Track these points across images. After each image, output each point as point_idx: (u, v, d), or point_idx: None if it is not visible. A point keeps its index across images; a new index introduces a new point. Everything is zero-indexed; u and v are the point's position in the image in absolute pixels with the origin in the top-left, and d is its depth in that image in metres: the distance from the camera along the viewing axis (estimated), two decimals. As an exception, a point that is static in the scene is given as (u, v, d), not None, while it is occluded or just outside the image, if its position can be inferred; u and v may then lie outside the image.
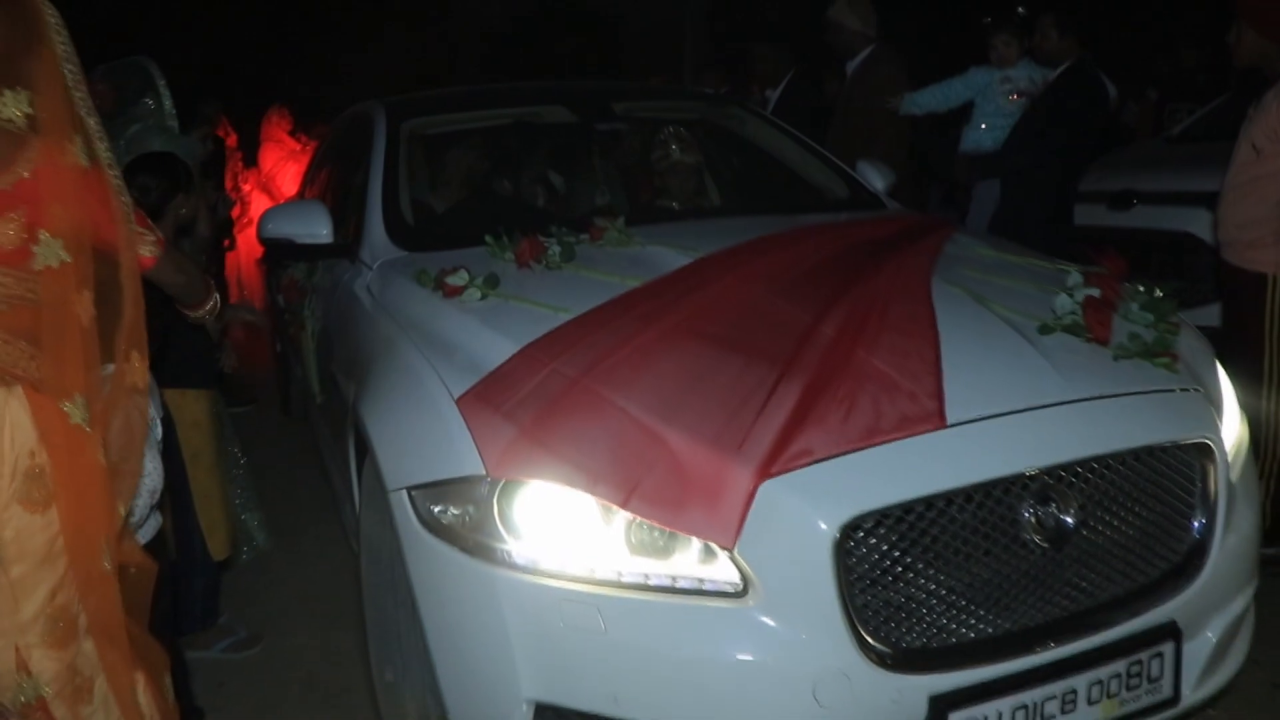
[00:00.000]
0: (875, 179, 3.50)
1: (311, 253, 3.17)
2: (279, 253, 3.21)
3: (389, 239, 2.89)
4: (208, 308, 2.26)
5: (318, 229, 3.02)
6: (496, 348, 2.08)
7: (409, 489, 1.92)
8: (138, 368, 1.74)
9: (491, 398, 1.92)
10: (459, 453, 1.86)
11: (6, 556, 1.66)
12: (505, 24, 13.93)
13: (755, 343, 2.00)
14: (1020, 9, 5.11)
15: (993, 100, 4.93)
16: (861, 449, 1.74)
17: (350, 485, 2.53)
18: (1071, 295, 2.18)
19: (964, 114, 5.09)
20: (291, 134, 7.28)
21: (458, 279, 2.31)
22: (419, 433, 1.98)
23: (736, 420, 1.78)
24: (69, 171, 1.62)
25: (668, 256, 2.49)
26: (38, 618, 1.68)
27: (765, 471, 1.70)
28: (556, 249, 2.49)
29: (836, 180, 3.46)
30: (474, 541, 1.81)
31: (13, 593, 1.67)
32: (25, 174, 1.61)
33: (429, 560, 1.87)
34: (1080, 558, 1.84)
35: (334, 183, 3.94)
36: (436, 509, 1.86)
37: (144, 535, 2.05)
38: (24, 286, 1.63)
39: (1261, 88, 3.12)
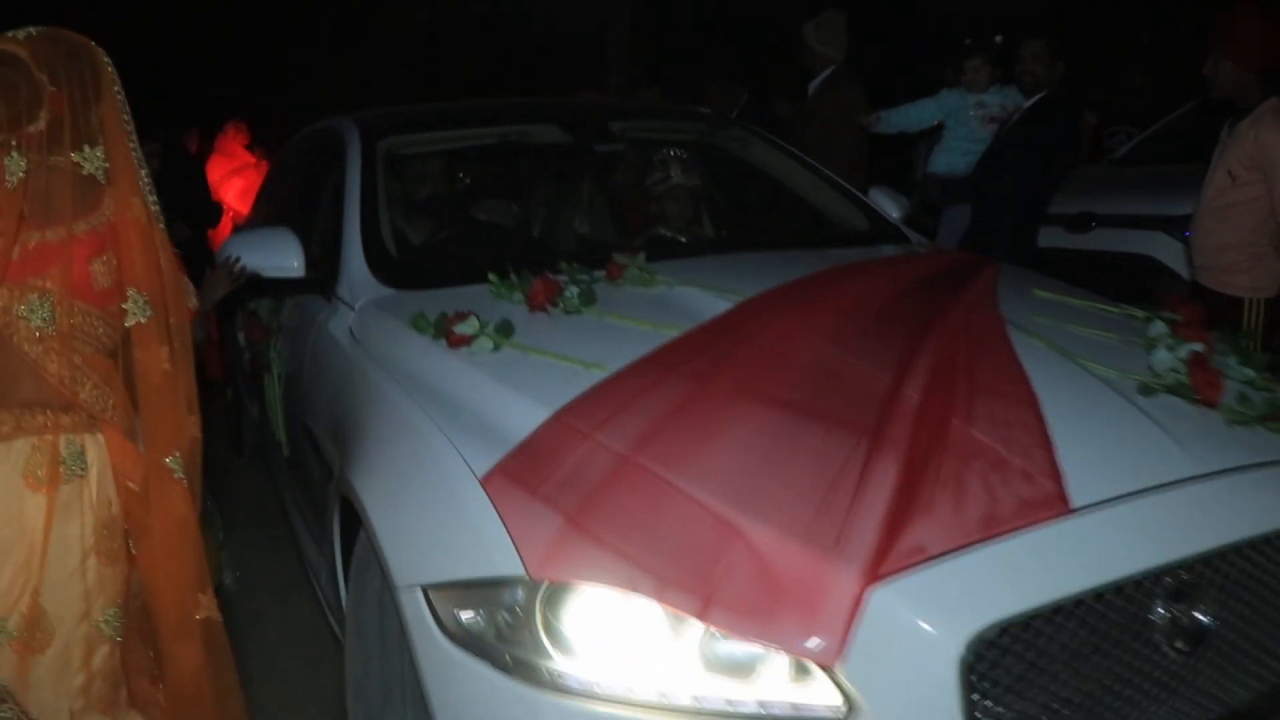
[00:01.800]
0: (891, 208, 3.26)
1: (280, 288, 2.81)
2: (243, 292, 2.84)
3: (371, 274, 2.55)
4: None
5: (287, 260, 2.67)
6: (521, 413, 1.76)
7: (425, 588, 1.59)
8: (195, 420, 1.80)
9: (524, 477, 1.60)
10: (489, 547, 1.54)
11: (80, 611, 1.67)
12: (420, 39, 13.45)
13: (831, 409, 1.71)
14: (997, 37, 5.08)
15: (965, 124, 4.95)
16: (981, 543, 1.46)
17: (333, 562, 2.18)
18: (1172, 351, 1.93)
19: (918, 136, 5.19)
20: (248, 148, 7.01)
21: (467, 327, 1.99)
22: (435, 519, 1.65)
23: (829, 508, 1.49)
24: (134, 225, 1.68)
25: (701, 299, 2.19)
26: (95, 678, 1.68)
27: (873, 574, 1.41)
28: (574, 290, 2.17)
29: (852, 210, 3.20)
30: (511, 657, 1.48)
31: (83, 648, 1.67)
32: (109, 216, 1.67)
33: (452, 677, 1.54)
34: (1217, 661, 1.58)
35: (296, 208, 3.57)
36: (463, 615, 1.54)
37: None
38: (108, 332, 1.69)
39: (1236, 117, 3.24)
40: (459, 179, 3.48)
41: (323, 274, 2.72)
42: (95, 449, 1.71)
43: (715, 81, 5.85)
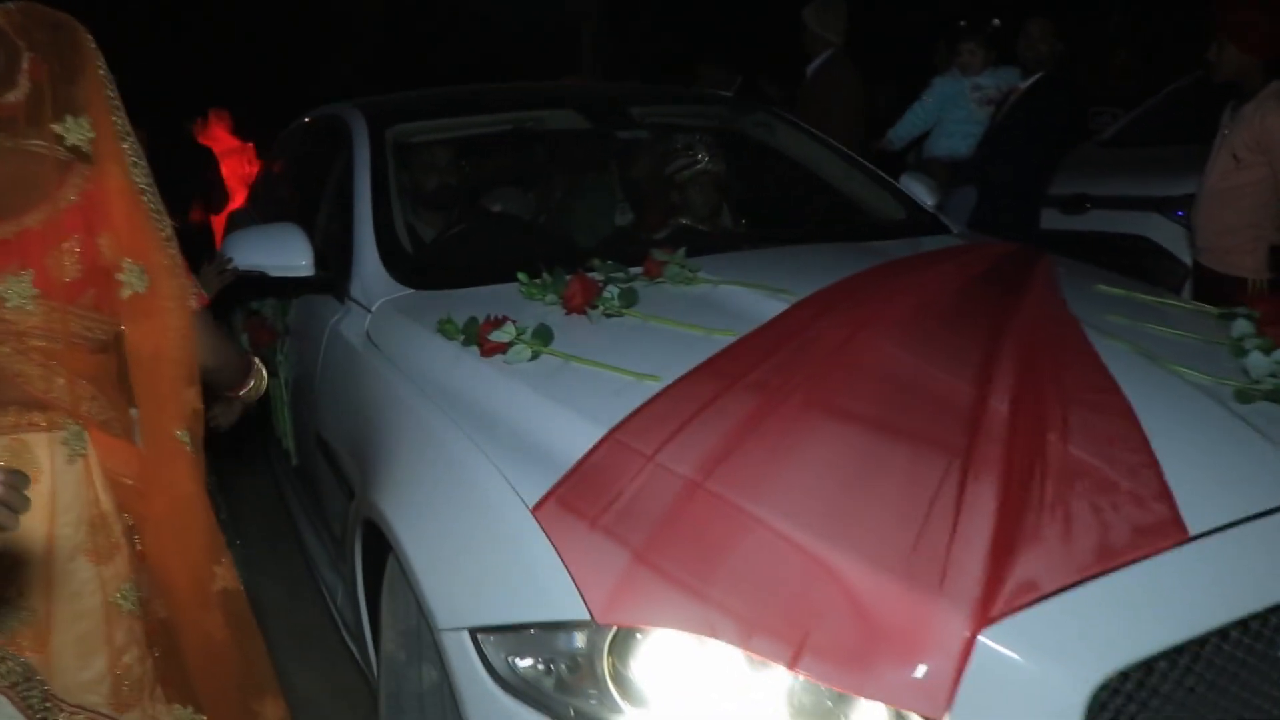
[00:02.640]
0: (925, 195, 3.10)
1: (287, 288, 2.63)
2: (244, 289, 2.67)
3: (387, 273, 2.38)
4: (249, 388, 1.94)
5: (295, 259, 2.49)
6: (570, 431, 1.60)
7: (473, 631, 1.43)
8: (195, 391, 1.67)
9: (581, 506, 1.44)
10: (546, 586, 1.38)
11: (71, 612, 1.58)
12: (380, 28, 13.14)
13: (914, 424, 1.56)
14: (995, 20, 5.13)
15: (963, 107, 4.98)
16: (1097, 577, 1.32)
17: (354, 586, 2.03)
18: (1267, 353, 1.79)
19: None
20: (233, 132, 6.93)
21: (503, 334, 1.82)
22: (481, 553, 1.50)
23: (927, 540, 1.34)
24: (120, 195, 1.58)
25: (751, 300, 2.03)
26: (102, 679, 1.60)
27: (983, 617, 1.26)
28: (614, 290, 2.01)
29: (887, 198, 3.04)
30: (575, 710, 1.33)
31: (77, 650, 1.58)
32: (74, 198, 1.56)
33: (505, 730, 1.39)
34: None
35: (297, 202, 3.38)
36: (518, 662, 1.38)
37: None
38: (84, 324, 1.59)
39: (1238, 101, 3.29)
40: (470, 169, 3.30)
41: (333, 273, 2.55)
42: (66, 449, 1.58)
43: (709, 65, 5.75)
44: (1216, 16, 3.26)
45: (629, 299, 2.00)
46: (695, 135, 3.06)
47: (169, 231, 1.63)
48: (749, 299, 2.03)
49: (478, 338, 1.88)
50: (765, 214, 3.18)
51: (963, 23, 5.17)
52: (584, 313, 2.00)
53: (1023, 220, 4.40)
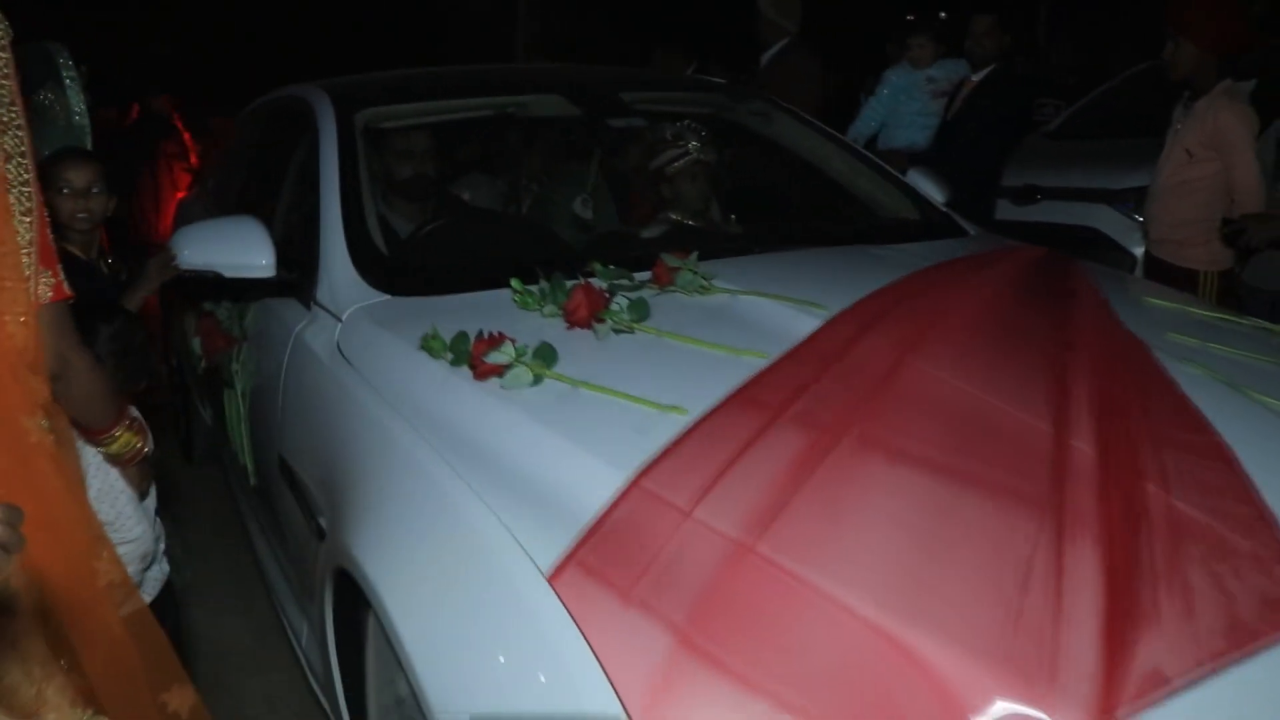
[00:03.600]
0: (935, 192, 2.89)
1: (245, 290, 2.35)
2: (197, 288, 2.39)
3: (359, 276, 2.12)
4: (112, 439, 1.67)
5: (253, 257, 2.23)
6: (586, 475, 1.36)
7: (477, 722, 1.19)
8: (41, 381, 1.42)
9: (608, 573, 1.20)
10: (569, 673, 1.14)
11: None
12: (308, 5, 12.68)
13: (988, 471, 1.34)
14: (942, 14, 5.36)
15: (918, 99, 5.00)
16: (1230, 664, 1.11)
17: (323, 635, 1.77)
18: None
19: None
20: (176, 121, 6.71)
21: (500, 355, 1.57)
22: (486, 625, 1.25)
23: (1027, 618, 1.12)
24: None
25: (778, 314, 1.80)
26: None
27: (1107, 717, 1.04)
28: (623, 302, 1.77)
29: (897, 195, 2.82)
30: (606, 828, 1.10)
31: None
32: None
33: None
34: None
35: (253, 193, 3.10)
36: (534, 766, 1.14)
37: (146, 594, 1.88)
38: None
39: (1190, 97, 3.35)
40: (448, 158, 3.03)
41: (297, 274, 2.28)
42: None
43: (665, 48, 5.57)
44: (1172, 15, 3.31)
45: (640, 311, 1.76)
46: (684, 124, 2.83)
47: (29, 206, 1.37)
48: (776, 313, 1.80)
49: (470, 358, 1.63)
50: (766, 212, 2.94)
51: (910, 17, 5.26)
52: (589, 327, 1.75)
53: (979, 211, 4.35)
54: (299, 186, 2.80)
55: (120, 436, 1.67)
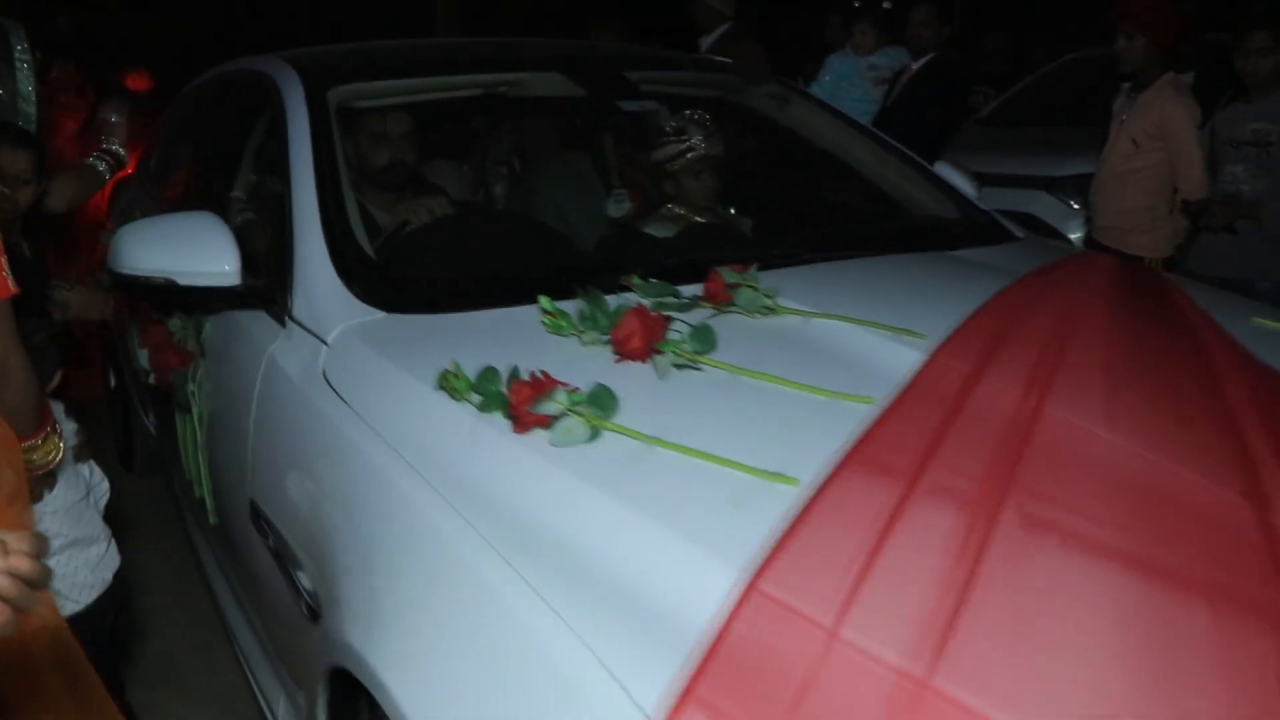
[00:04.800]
0: (966, 186, 2.63)
1: (204, 300, 1.99)
2: (145, 296, 2.02)
3: (344, 286, 1.77)
4: (34, 446, 1.50)
5: (215, 263, 1.87)
6: (683, 572, 1.06)
7: None
8: None
9: (735, 716, 0.90)
10: None
11: None
12: None
13: (1187, 562, 1.06)
14: (885, 3, 5.28)
15: (859, 85, 5.03)
16: None
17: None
18: None
19: None
20: (80, 92, 6.32)
21: (551, 403, 1.25)
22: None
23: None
24: None
25: (865, 343, 1.50)
26: None
27: None
28: (684, 329, 1.45)
29: (931, 192, 2.53)
30: None
31: None
32: None
33: None
34: None
35: (203, 183, 2.70)
36: None
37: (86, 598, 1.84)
38: None
39: (1133, 88, 3.50)
40: (429, 142, 2.68)
41: (266, 283, 1.92)
42: None
43: (603, 27, 5.42)
44: (1125, 9, 3.41)
45: (706, 341, 1.44)
46: (687, 115, 2.52)
47: None
48: (864, 342, 1.51)
49: (506, 404, 1.30)
50: (787, 210, 2.64)
51: (856, 4, 5.21)
52: (645, 360, 1.44)
53: None
54: (261, 176, 2.44)
55: (44, 444, 1.51)
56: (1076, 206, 4.52)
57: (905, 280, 1.84)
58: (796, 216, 2.56)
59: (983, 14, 9.22)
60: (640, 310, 1.44)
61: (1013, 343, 1.47)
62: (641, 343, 1.42)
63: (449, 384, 1.36)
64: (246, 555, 1.85)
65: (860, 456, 1.19)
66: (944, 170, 2.66)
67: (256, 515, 1.74)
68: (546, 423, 1.27)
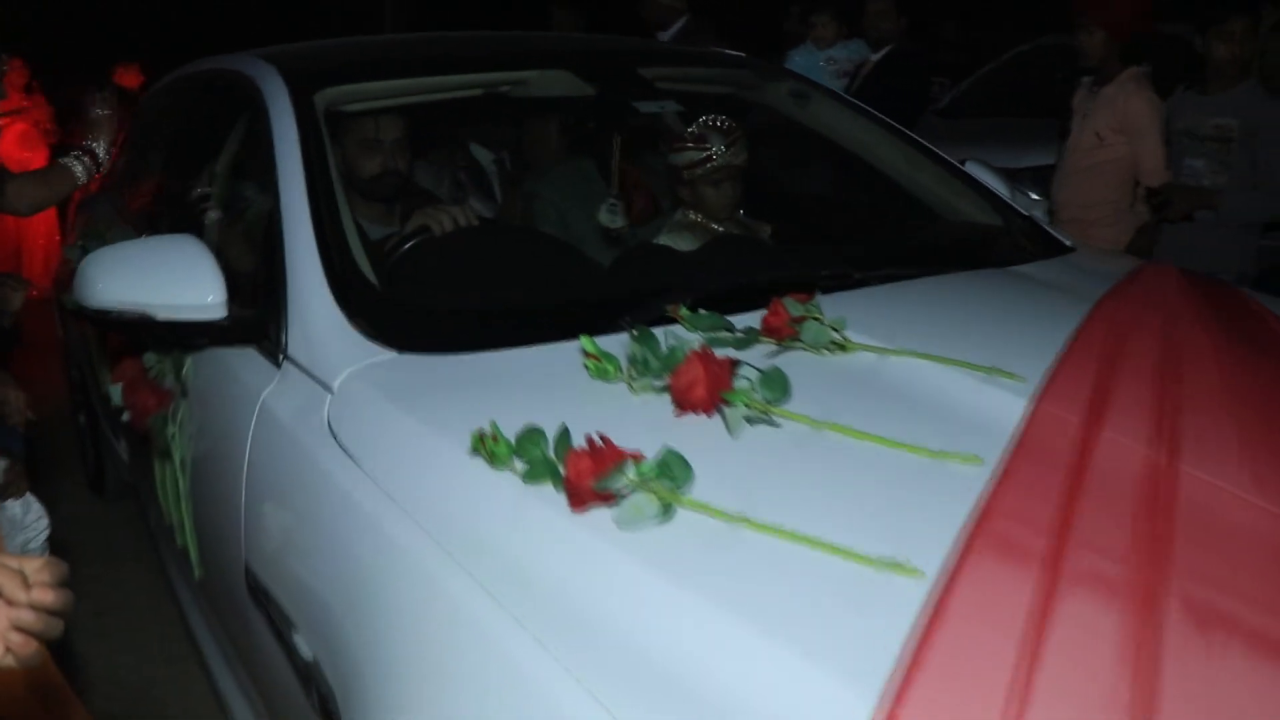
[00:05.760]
0: (999, 187, 2.45)
1: (184, 335, 1.77)
2: (118, 330, 1.80)
3: (346, 321, 1.57)
4: None
5: (197, 293, 1.66)
6: (802, 700, 0.87)
7: None
8: None
9: None
10: None
11: None
12: None
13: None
14: None
15: (819, 79, 5.07)
16: None
17: None
18: None
19: None
20: (26, 90, 6.25)
21: (616, 479, 1.05)
22: None
23: None
24: None
25: (955, 386, 1.32)
26: None
27: None
28: (754, 376, 1.26)
29: (971, 197, 2.35)
30: None
31: None
32: None
33: None
34: None
35: (177, 201, 2.46)
36: None
37: None
38: None
39: (1095, 82, 3.54)
40: (420, 147, 2.47)
41: (254, 314, 1.71)
42: None
43: (562, 9, 5.40)
44: (1080, 2, 3.46)
45: (778, 387, 1.25)
46: (708, 121, 2.33)
47: None
48: (953, 385, 1.32)
49: (558, 473, 1.11)
50: (815, 221, 2.46)
51: None
52: (711, 413, 1.25)
53: None
54: (243, 190, 2.21)
55: None
56: (1037, 198, 4.48)
57: (975, 306, 1.66)
58: (828, 228, 2.38)
59: (937, 4, 9.20)
60: (704, 354, 1.24)
61: (1121, 385, 1.30)
62: (706, 392, 1.22)
63: (486, 449, 1.16)
64: (243, 626, 1.64)
65: (986, 537, 1.01)
66: (977, 171, 2.49)
67: (254, 586, 1.53)
68: (610, 498, 1.07)
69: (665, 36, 4.72)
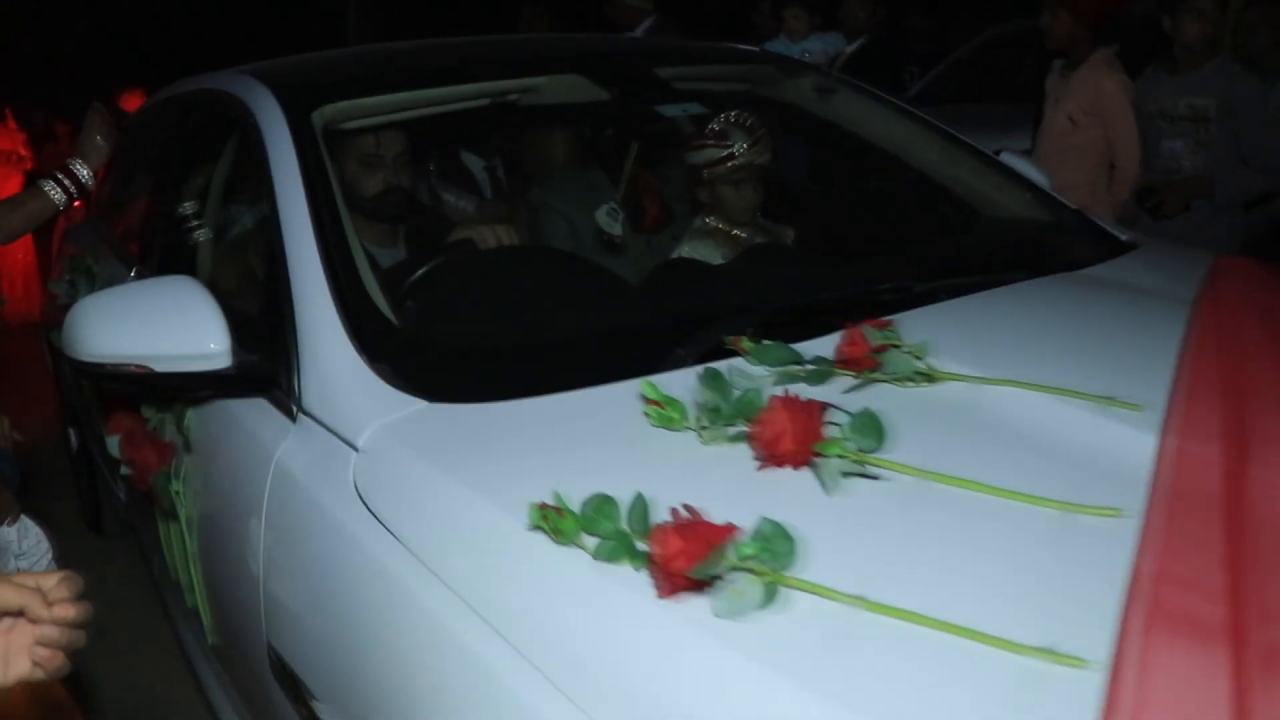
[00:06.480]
0: (1040, 178, 2.31)
1: (185, 386, 1.61)
2: (114, 384, 1.64)
3: (366, 366, 1.41)
4: None
5: (199, 341, 1.50)
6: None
7: None
8: None
9: None
10: None
11: None
12: None
13: None
14: None
15: None
16: None
17: None
18: None
19: None
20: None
21: (712, 566, 0.90)
22: None
23: None
24: None
25: (1070, 421, 1.16)
26: None
27: None
28: (844, 420, 1.11)
29: (1014, 193, 2.20)
30: None
31: None
32: None
33: None
34: None
35: (167, 233, 2.29)
36: None
37: None
38: None
39: (1066, 66, 3.53)
40: (426, 162, 2.31)
41: (260, 359, 1.55)
42: None
43: (531, 9, 5.38)
44: None
45: (872, 433, 1.09)
46: (729, 117, 2.19)
47: None
48: (1063, 417, 1.17)
49: (649, 558, 0.95)
50: (843, 223, 2.30)
51: None
52: (799, 466, 1.09)
53: None
54: (237, 219, 2.05)
55: None
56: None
57: (1059, 319, 1.51)
58: (859, 233, 2.22)
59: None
60: (790, 401, 1.09)
61: (1253, 411, 1.15)
62: (796, 444, 1.07)
63: (551, 524, 1.01)
64: (265, 699, 1.49)
65: (1156, 611, 0.86)
66: (1014, 162, 2.35)
67: (280, 668, 1.37)
68: (708, 588, 0.92)
69: (637, 34, 4.63)
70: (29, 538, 1.91)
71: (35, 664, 0.84)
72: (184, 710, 2.46)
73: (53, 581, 0.85)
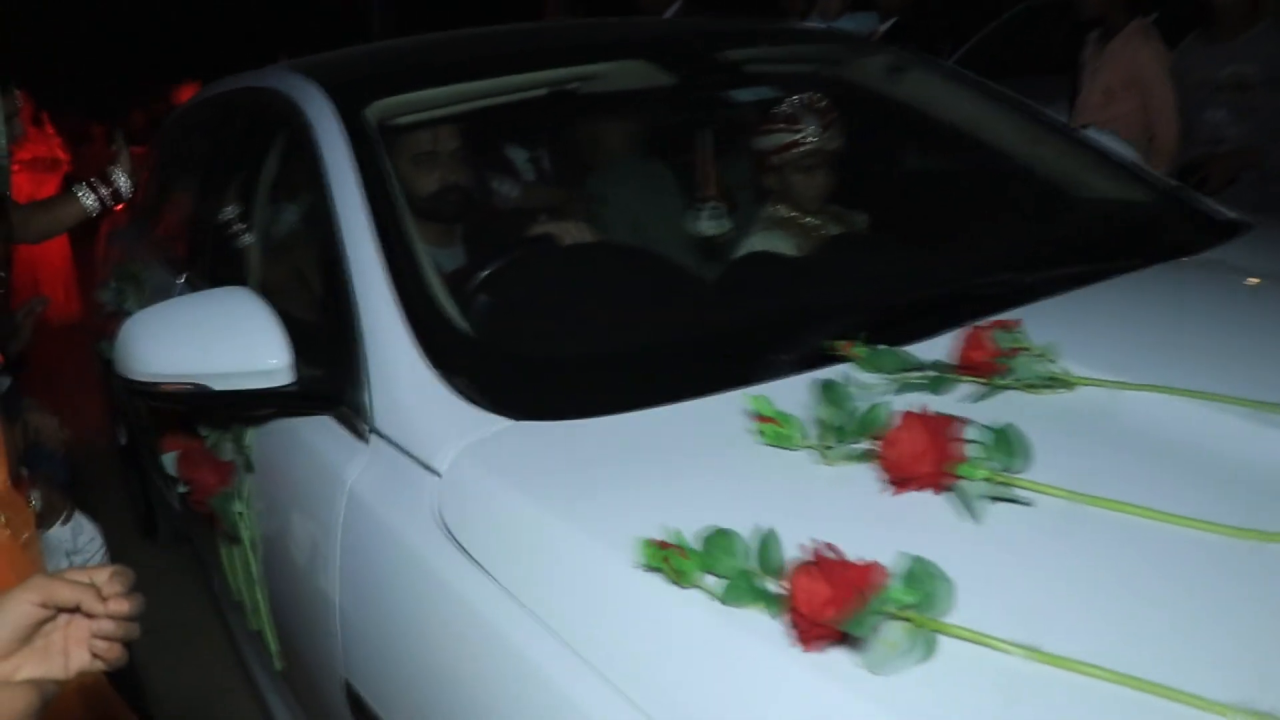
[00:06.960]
0: (1127, 152, 2.17)
1: (244, 405, 1.52)
2: (169, 404, 1.56)
3: (443, 383, 1.31)
4: None
5: (259, 357, 1.41)
6: None
7: None
8: None
9: None
10: None
11: None
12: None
13: None
14: None
15: None
16: None
17: None
18: None
19: None
20: (34, 122, 6.19)
21: (868, 618, 0.79)
22: None
23: None
24: None
25: (1227, 430, 1.04)
26: None
27: None
28: (985, 437, 0.99)
29: (1108, 172, 2.05)
30: None
31: None
32: None
33: None
34: None
35: (213, 240, 2.21)
36: None
37: None
38: None
39: (1100, 38, 3.42)
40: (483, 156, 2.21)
41: (327, 376, 1.46)
42: None
43: (554, 4, 5.25)
44: None
45: (1014, 451, 0.98)
46: (801, 100, 2.07)
47: None
48: (1220, 427, 1.04)
49: (787, 605, 0.84)
50: (917, 209, 2.17)
51: None
52: (936, 490, 0.98)
53: None
54: (290, 223, 1.97)
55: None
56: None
57: (1189, 312, 1.38)
58: (937, 219, 2.09)
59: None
60: (924, 418, 0.98)
61: None
62: (933, 465, 0.96)
63: (668, 564, 0.90)
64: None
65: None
66: (1101, 139, 2.21)
67: (358, 706, 1.28)
68: (857, 640, 0.81)
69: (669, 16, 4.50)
70: (84, 534, 1.89)
71: (95, 656, 0.85)
72: (232, 706, 2.47)
73: (105, 576, 0.86)
